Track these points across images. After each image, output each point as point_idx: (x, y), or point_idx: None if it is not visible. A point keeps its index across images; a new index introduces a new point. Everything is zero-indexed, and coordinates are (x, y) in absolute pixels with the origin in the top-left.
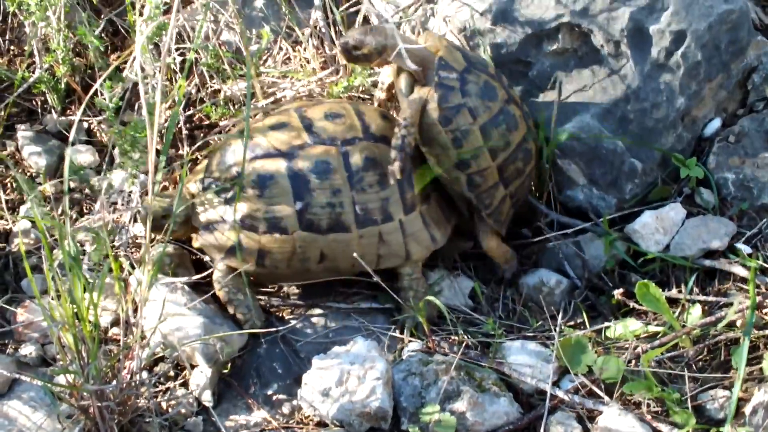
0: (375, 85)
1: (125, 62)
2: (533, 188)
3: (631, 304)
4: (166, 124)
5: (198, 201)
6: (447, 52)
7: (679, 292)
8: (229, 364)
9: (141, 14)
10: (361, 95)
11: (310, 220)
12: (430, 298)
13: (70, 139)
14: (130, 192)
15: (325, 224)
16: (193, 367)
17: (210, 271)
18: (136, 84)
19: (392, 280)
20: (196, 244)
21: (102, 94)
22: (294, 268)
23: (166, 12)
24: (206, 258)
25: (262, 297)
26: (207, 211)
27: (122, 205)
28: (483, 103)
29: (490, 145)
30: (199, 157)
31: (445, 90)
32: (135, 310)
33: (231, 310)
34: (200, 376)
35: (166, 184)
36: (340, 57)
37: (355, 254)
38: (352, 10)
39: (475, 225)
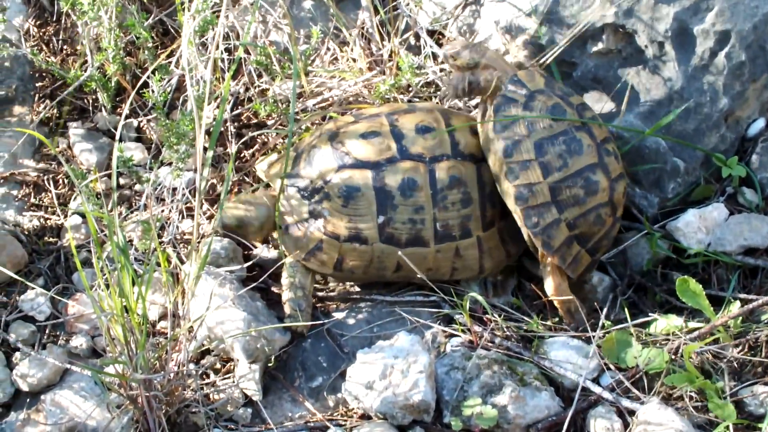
0: (423, 85)
1: (173, 55)
2: None
3: (673, 302)
4: (213, 123)
5: (282, 200)
6: (526, 73)
7: (721, 290)
8: (275, 358)
9: (189, 10)
10: (414, 97)
11: (391, 233)
12: (474, 294)
13: (118, 134)
14: (174, 189)
15: (404, 239)
16: (238, 360)
17: (253, 261)
18: (183, 81)
19: None
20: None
21: (151, 88)
22: (370, 275)
23: (214, 12)
24: (255, 251)
25: None
26: (291, 211)
27: (170, 201)
28: (544, 120)
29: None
30: (246, 155)
31: (506, 101)
32: (183, 303)
33: (284, 297)
34: (246, 368)
35: (215, 181)
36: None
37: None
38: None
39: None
